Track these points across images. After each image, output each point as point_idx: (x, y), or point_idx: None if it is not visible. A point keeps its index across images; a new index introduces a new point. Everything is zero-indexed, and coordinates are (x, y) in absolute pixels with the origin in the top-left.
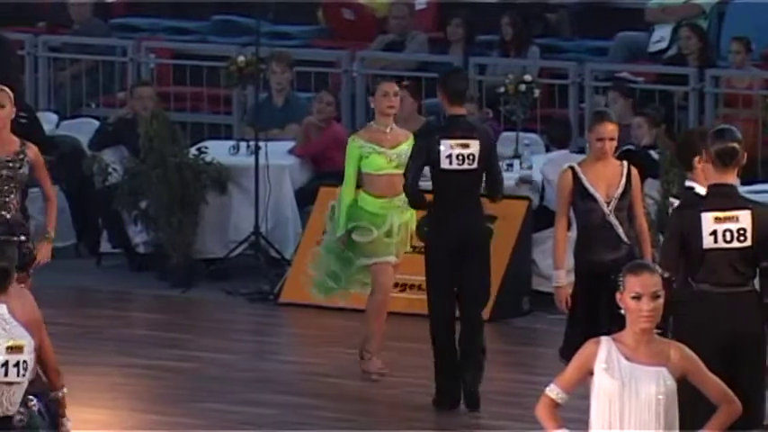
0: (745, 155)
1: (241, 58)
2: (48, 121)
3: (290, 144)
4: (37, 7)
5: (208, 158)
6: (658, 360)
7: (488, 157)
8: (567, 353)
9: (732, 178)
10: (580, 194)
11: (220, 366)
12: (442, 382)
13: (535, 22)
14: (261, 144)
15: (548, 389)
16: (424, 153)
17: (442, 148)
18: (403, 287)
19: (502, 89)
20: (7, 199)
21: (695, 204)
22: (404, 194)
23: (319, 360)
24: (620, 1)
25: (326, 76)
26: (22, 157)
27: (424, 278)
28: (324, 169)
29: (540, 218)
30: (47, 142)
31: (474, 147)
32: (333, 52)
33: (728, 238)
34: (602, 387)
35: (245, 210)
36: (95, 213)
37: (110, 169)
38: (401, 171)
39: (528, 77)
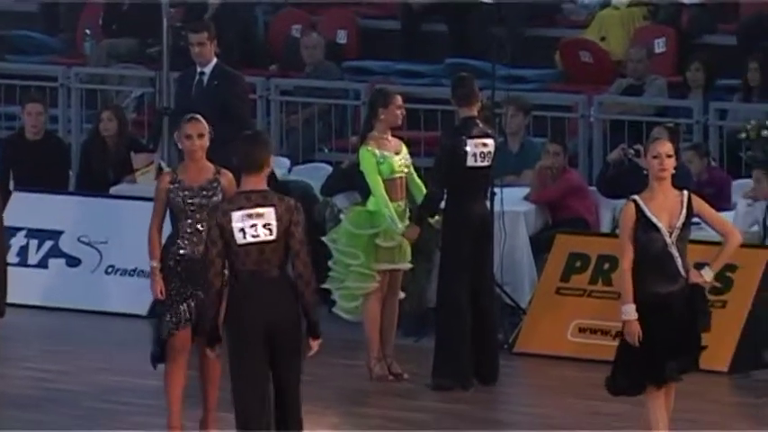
0: None
1: None
2: (280, 165)
3: (526, 190)
4: (269, 50)
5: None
6: None
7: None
8: (616, 386)
9: None
10: (642, 226)
11: (453, 417)
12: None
13: None
14: (496, 190)
15: None
16: (449, 155)
17: (468, 147)
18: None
19: (743, 135)
20: (200, 227)
21: None
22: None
23: (554, 411)
24: None
25: (563, 120)
26: (216, 185)
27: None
28: (560, 216)
29: None
30: (278, 187)
31: (491, 145)
32: (570, 96)
33: None
34: None
35: None
36: (326, 260)
37: (341, 215)
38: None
39: None
